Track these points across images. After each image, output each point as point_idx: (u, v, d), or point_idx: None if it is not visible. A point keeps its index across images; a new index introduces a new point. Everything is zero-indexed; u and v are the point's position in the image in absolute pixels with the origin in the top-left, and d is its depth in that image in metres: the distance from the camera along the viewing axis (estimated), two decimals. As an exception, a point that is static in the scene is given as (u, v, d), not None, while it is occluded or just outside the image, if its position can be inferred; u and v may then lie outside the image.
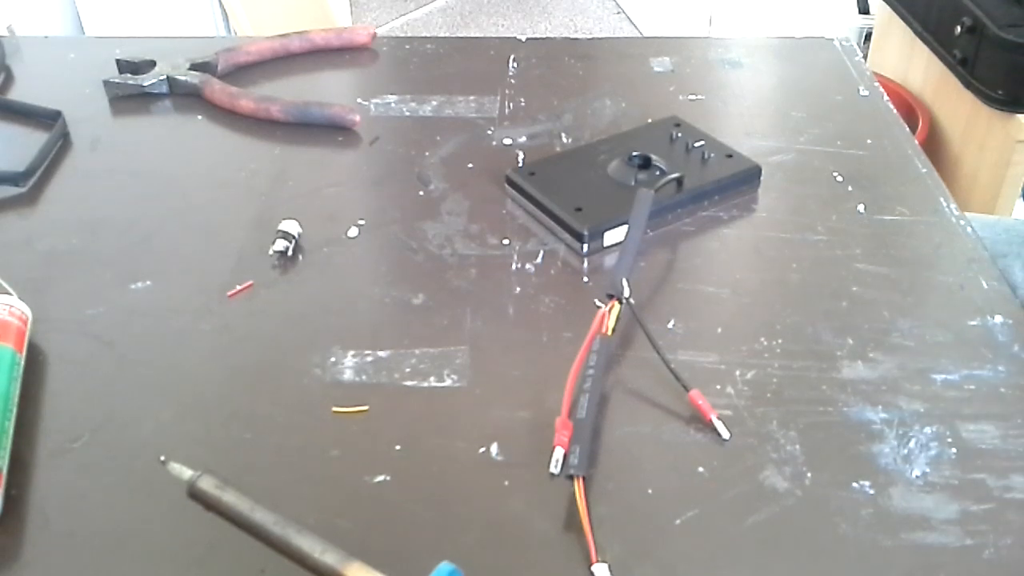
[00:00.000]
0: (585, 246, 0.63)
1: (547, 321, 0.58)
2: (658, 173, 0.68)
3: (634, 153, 0.70)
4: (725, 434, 0.50)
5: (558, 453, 0.48)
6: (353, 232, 0.65)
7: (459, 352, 0.55)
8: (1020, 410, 0.51)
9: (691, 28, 2.72)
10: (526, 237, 0.65)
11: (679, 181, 0.67)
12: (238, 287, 0.60)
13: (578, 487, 0.46)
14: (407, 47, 0.92)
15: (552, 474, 0.47)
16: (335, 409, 0.52)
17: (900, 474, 0.48)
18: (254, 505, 0.40)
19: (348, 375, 0.54)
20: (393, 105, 0.81)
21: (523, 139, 0.75)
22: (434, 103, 0.81)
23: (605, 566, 0.43)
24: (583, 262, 0.62)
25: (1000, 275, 0.61)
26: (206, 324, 0.58)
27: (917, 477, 0.47)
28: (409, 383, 0.53)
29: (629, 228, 0.61)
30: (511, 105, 0.80)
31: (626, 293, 0.55)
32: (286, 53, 0.88)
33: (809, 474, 0.48)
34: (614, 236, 0.63)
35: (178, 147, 0.76)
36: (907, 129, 0.77)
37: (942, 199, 0.68)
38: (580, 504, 0.45)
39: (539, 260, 0.63)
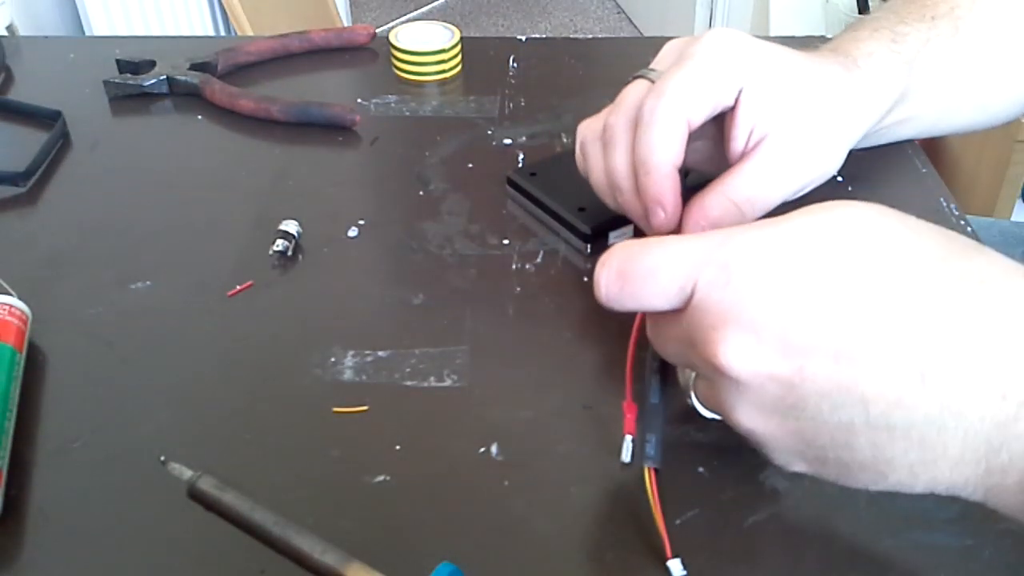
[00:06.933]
0: (589, 246, 0.62)
1: (547, 321, 0.58)
2: (658, 173, 0.68)
3: (634, 153, 0.69)
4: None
5: (628, 441, 0.46)
6: (353, 232, 0.65)
7: (459, 352, 0.55)
8: (1020, 410, 0.51)
9: (691, 28, 2.72)
10: (526, 237, 0.65)
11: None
12: (238, 287, 0.60)
13: (649, 480, 0.43)
14: (407, 47, 0.92)
15: (623, 463, 0.46)
16: (335, 409, 0.52)
17: (900, 474, 0.47)
18: (254, 505, 0.40)
19: (348, 375, 0.54)
20: (393, 105, 0.81)
21: (523, 139, 0.75)
22: (434, 103, 0.81)
23: (678, 561, 0.42)
24: (584, 262, 0.62)
25: (1000, 275, 0.61)
26: (206, 324, 0.58)
27: (917, 477, 0.47)
28: (409, 383, 0.53)
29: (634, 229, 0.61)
30: (511, 105, 0.80)
31: None
32: (286, 53, 0.88)
33: (809, 474, 0.48)
34: (617, 235, 0.63)
35: (178, 147, 0.76)
36: (907, 129, 0.77)
37: (942, 199, 0.68)
38: (652, 499, 0.43)
39: (539, 260, 0.63)
